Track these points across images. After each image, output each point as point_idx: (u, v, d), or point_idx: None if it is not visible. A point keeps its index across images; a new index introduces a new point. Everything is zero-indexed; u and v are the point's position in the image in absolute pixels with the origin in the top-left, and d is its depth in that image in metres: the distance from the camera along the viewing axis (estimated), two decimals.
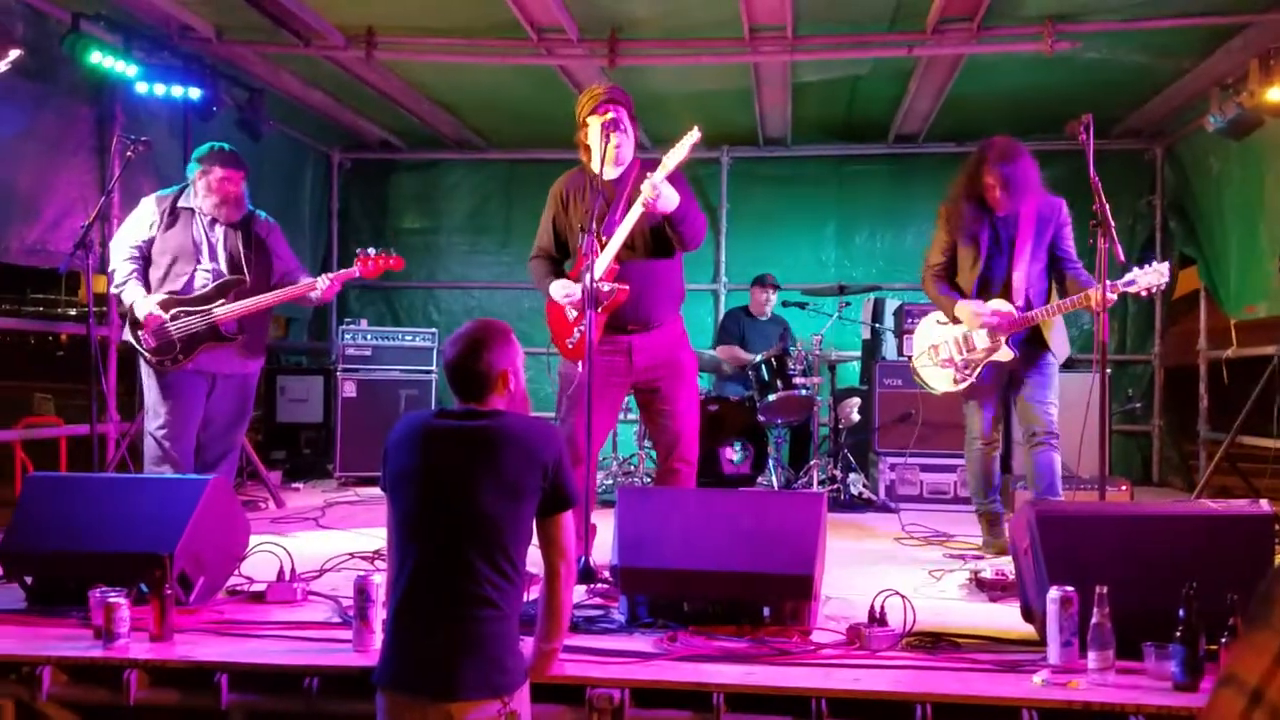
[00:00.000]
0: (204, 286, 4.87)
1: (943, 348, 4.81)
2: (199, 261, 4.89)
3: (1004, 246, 4.63)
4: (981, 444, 4.81)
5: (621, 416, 6.77)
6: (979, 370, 4.70)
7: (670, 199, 3.98)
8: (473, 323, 2.61)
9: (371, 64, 6.53)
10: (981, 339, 4.64)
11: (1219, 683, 0.98)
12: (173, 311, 4.79)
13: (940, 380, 4.84)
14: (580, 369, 4.17)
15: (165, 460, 4.83)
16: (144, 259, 4.89)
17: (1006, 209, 4.57)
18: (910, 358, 5.12)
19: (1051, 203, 4.64)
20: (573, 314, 4.20)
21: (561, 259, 4.43)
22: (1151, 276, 4.27)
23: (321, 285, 4.95)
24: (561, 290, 4.20)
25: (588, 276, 4.08)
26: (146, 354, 4.79)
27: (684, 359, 4.31)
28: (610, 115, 4.11)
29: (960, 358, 4.73)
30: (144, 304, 4.76)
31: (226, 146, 5.01)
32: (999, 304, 4.59)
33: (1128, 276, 4.29)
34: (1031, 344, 4.65)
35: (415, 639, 2.34)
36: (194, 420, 4.93)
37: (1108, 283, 4.13)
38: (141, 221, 4.89)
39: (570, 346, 4.24)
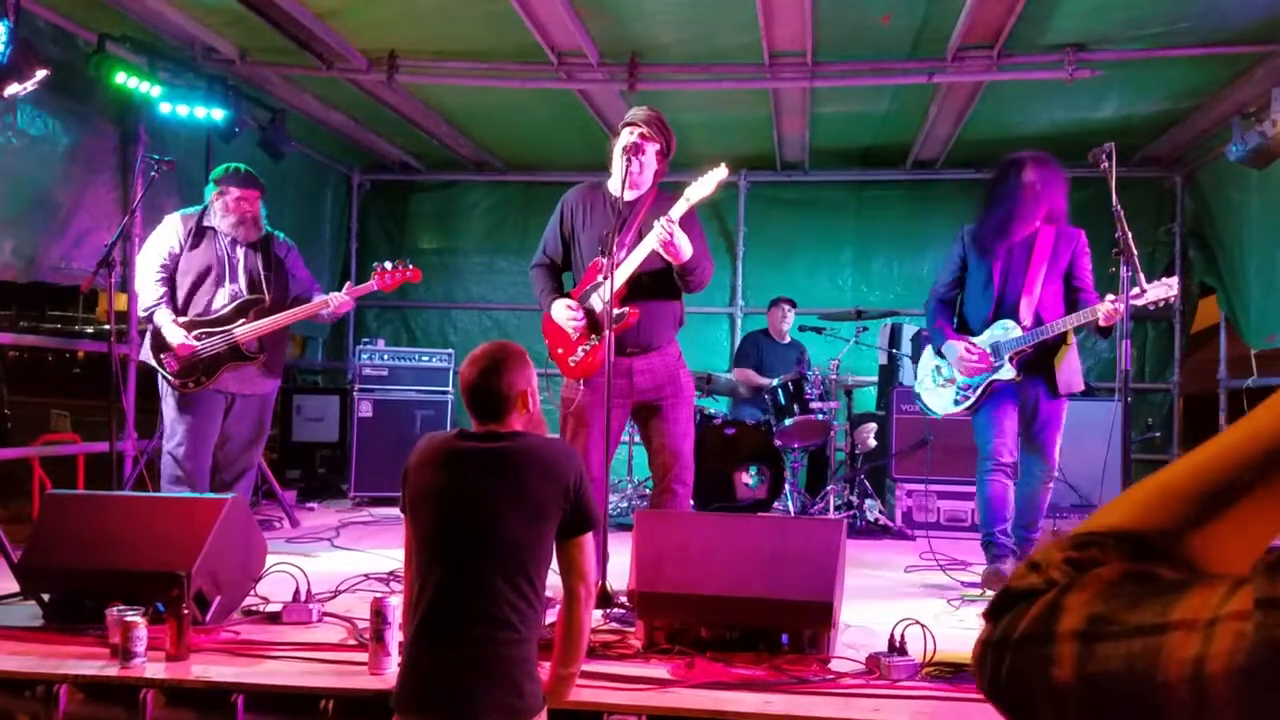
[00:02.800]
0: (224, 307, 4.89)
1: (945, 367, 4.78)
2: (221, 283, 4.92)
3: (1017, 270, 4.61)
4: (994, 466, 4.61)
5: (638, 440, 6.78)
6: (981, 390, 4.63)
7: (684, 249, 3.96)
8: (489, 344, 2.60)
9: (392, 87, 6.57)
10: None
11: None
12: (195, 333, 4.82)
13: (941, 401, 4.80)
14: (582, 388, 4.18)
15: (182, 479, 4.84)
16: (170, 278, 4.92)
17: (1030, 226, 4.55)
18: (915, 383, 5.07)
19: (1071, 232, 4.65)
20: (575, 335, 4.20)
21: (564, 268, 4.42)
22: (1159, 290, 4.16)
23: (334, 301, 4.96)
24: (565, 313, 4.19)
25: (595, 297, 4.09)
26: (170, 377, 4.81)
27: (684, 380, 4.31)
28: (635, 139, 4.12)
29: (961, 377, 4.68)
30: (176, 332, 4.78)
31: (242, 167, 5.05)
32: (1002, 326, 4.59)
33: (1136, 289, 4.15)
34: (1042, 375, 4.57)
35: (434, 662, 2.33)
36: (211, 439, 4.95)
37: (1112, 296, 4.20)
38: (166, 240, 4.93)
39: (573, 365, 4.21)
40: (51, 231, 5.57)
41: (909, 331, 7.26)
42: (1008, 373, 4.56)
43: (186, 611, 3.13)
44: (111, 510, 3.70)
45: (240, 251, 4.99)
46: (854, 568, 4.44)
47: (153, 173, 5.09)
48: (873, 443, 6.71)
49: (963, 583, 4.81)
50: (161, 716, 2.94)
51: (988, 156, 7.96)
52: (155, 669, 3.01)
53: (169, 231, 4.95)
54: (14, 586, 3.74)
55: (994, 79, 6.15)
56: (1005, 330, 4.60)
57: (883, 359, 7.50)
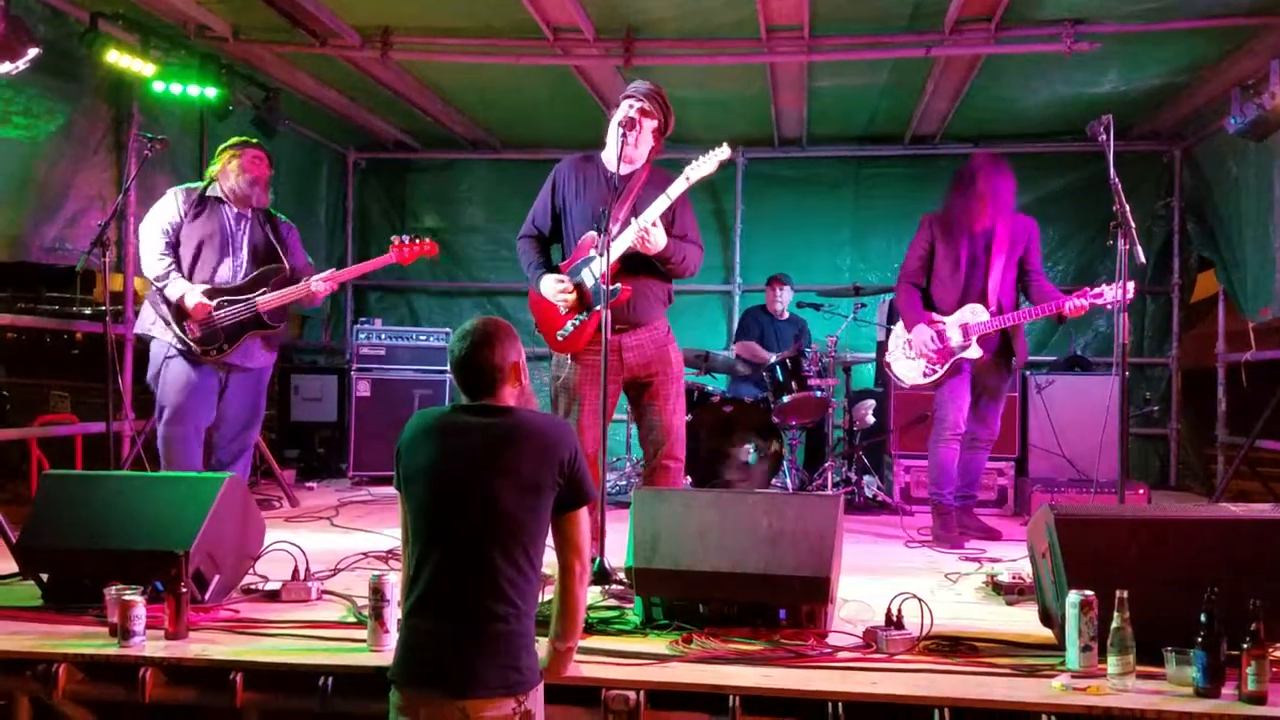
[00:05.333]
0: (231, 278, 4.90)
1: (916, 342, 5.18)
2: (225, 254, 4.92)
3: (980, 258, 5.10)
4: (951, 435, 5.15)
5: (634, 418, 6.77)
6: (950, 364, 5.11)
7: (657, 245, 3.99)
8: (478, 319, 2.59)
9: (387, 63, 6.53)
10: (955, 335, 5.09)
11: None
12: (217, 301, 4.82)
13: (910, 372, 5.24)
14: (570, 362, 4.16)
15: (175, 460, 4.86)
16: (173, 248, 4.91)
17: (987, 222, 5.04)
18: (886, 353, 5.46)
19: (1023, 221, 5.17)
20: (564, 309, 4.18)
21: (551, 240, 4.39)
22: (1118, 291, 4.49)
23: (316, 287, 5.00)
24: (555, 287, 4.16)
25: (585, 272, 4.07)
26: (193, 343, 4.80)
27: (673, 356, 4.31)
28: (633, 114, 4.09)
29: (932, 350, 5.10)
30: (193, 294, 4.79)
31: (254, 139, 5.12)
32: (971, 309, 5.08)
33: (1096, 289, 4.69)
34: (1000, 353, 5.15)
35: (432, 636, 2.33)
36: (205, 420, 4.95)
37: (1075, 295, 4.77)
38: (168, 211, 4.91)
39: (561, 340, 4.19)
40: (45, 212, 5.55)
41: None
42: (974, 352, 5.08)
43: (185, 590, 3.14)
44: (109, 490, 3.69)
45: (245, 225, 5.00)
46: (852, 543, 4.47)
47: (146, 152, 5.08)
48: (871, 419, 6.71)
49: (960, 557, 4.83)
50: (161, 695, 2.94)
51: (986, 132, 7.97)
52: (154, 647, 3.01)
53: (169, 203, 4.93)
54: (13, 567, 3.74)
55: (992, 51, 6.11)
56: (974, 314, 5.08)
57: (881, 335, 7.48)
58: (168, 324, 4.82)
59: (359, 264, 5.13)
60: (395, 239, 5.08)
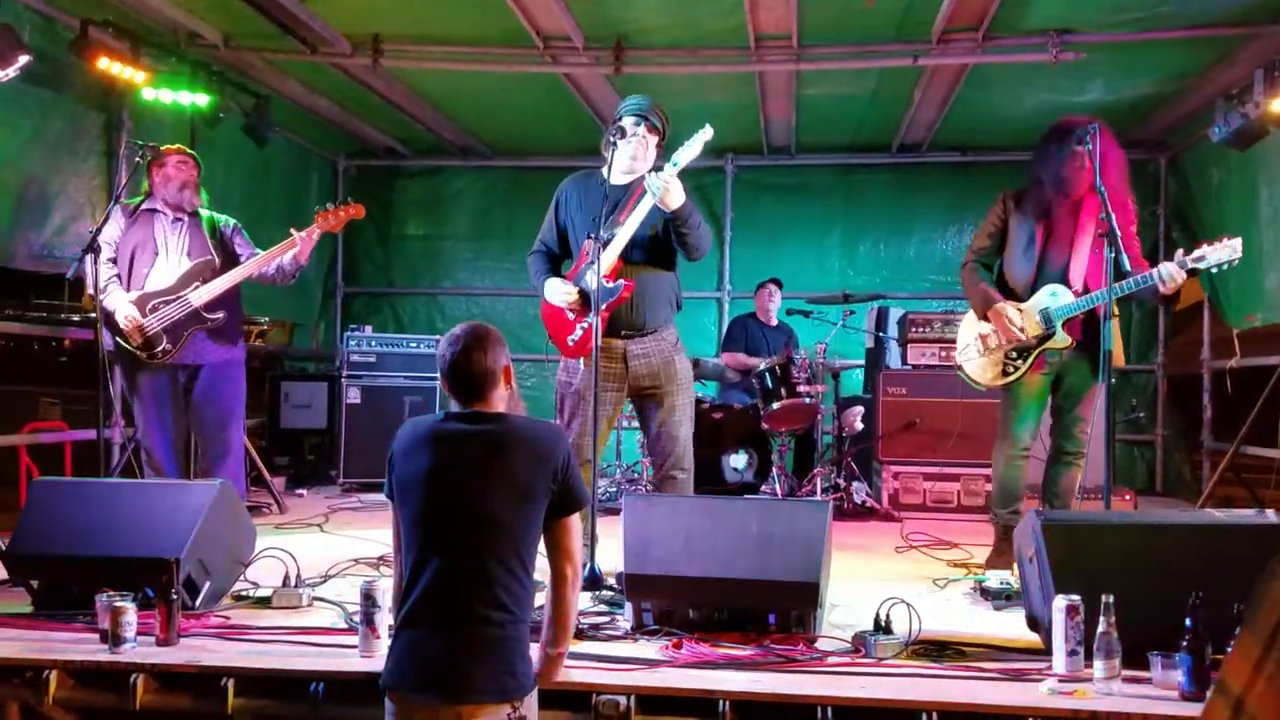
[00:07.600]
0: (166, 283, 4.93)
1: (992, 336, 4.50)
2: (158, 258, 4.97)
3: (1064, 233, 4.41)
4: (1015, 452, 4.55)
5: (626, 424, 6.80)
6: (1033, 359, 4.42)
7: (677, 194, 3.95)
8: (466, 324, 2.60)
9: (377, 71, 6.55)
10: (1033, 324, 4.39)
11: (1213, 688, 1.05)
12: (151, 304, 4.84)
13: (985, 372, 4.57)
14: (582, 367, 4.17)
15: (152, 466, 4.88)
16: (113, 262, 4.97)
17: (1081, 194, 4.33)
18: (955, 353, 4.80)
19: (1120, 202, 4.29)
20: (571, 313, 4.19)
21: (561, 256, 4.42)
22: (1224, 252, 4.03)
23: (298, 242, 4.98)
24: (560, 291, 4.17)
25: (589, 275, 4.08)
26: (137, 351, 4.82)
27: (680, 366, 4.27)
28: (639, 129, 4.14)
29: (1019, 330, 4.39)
30: (122, 309, 4.82)
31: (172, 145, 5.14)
32: (1050, 292, 4.38)
33: (1197, 252, 4.06)
34: (1087, 352, 4.38)
35: (428, 642, 2.34)
36: (174, 425, 5.00)
37: (1178, 257, 4.07)
38: (110, 228, 4.96)
39: (571, 344, 4.20)
40: (34, 219, 5.54)
41: (895, 315, 7.27)
42: (1061, 340, 4.36)
43: (176, 596, 3.14)
44: (99, 497, 3.69)
45: (181, 230, 5.04)
46: (840, 549, 4.48)
47: (136, 159, 5.08)
48: (859, 425, 6.74)
49: (948, 563, 4.85)
50: (152, 701, 2.95)
51: (972, 140, 8.02)
52: (145, 654, 3.02)
53: (111, 219, 4.99)
54: (2, 574, 3.74)
55: (978, 61, 6.16)
56: (1055, 297, 4.38)
57: (869, 342, 7.53)
58: (112, 336, 4.85)
59: (281, 243, 5.05)
60: (319, 209, 5.09)
